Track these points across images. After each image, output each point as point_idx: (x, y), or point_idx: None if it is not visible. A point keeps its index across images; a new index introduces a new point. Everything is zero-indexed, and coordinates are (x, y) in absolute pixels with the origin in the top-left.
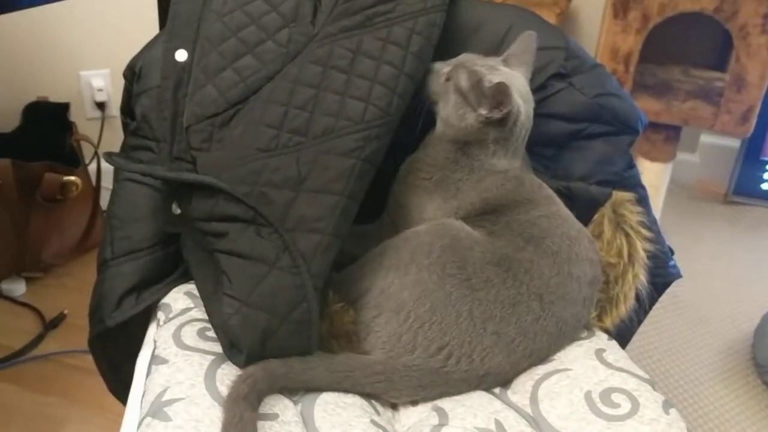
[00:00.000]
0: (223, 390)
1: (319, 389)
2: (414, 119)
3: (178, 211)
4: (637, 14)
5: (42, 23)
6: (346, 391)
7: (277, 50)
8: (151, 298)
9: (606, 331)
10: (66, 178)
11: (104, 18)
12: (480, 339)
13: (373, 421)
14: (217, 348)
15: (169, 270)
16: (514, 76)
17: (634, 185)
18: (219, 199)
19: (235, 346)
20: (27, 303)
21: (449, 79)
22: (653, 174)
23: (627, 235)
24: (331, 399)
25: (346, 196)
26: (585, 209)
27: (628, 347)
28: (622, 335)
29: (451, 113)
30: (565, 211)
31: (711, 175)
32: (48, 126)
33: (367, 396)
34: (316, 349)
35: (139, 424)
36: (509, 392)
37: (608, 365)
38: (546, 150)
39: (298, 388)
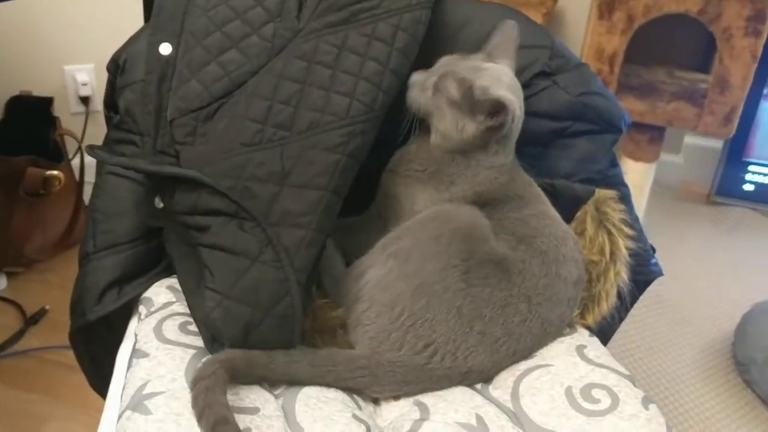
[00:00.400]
0: None
1: (301, 383)
2: (402, 129)
3: (161, 204)
4: (622, 15)
5: (26, 16)
6: (328, 385)
7: (261, 45)
8: (133, 292)
9: (588, 328)
10: (49, 172)
11: (89, 12)
12: (465, 337)
13: (354, 416)
14: (199, 342)
15: (151, 264)
16: (500, 71)
17: (617, 183)
18: (202, 192)
19: (217, 340)
20: (8, 298)
21: (438, 90)
22: (637, 174)
23: (609, 232)
24: (313, 393)
25: (330, 191)
26: (568, 206)
27: (610, 346)
28: (604, 332)
29: (450, 127)
30: (553, 211)
31: (694, 175)
32: (31, 120)
33: (349, 390)
34: (299, 344)
35: (119, 417)
36: (490, 387)
37: (589, 361)
38: (530, 148)
39: (279, 381)
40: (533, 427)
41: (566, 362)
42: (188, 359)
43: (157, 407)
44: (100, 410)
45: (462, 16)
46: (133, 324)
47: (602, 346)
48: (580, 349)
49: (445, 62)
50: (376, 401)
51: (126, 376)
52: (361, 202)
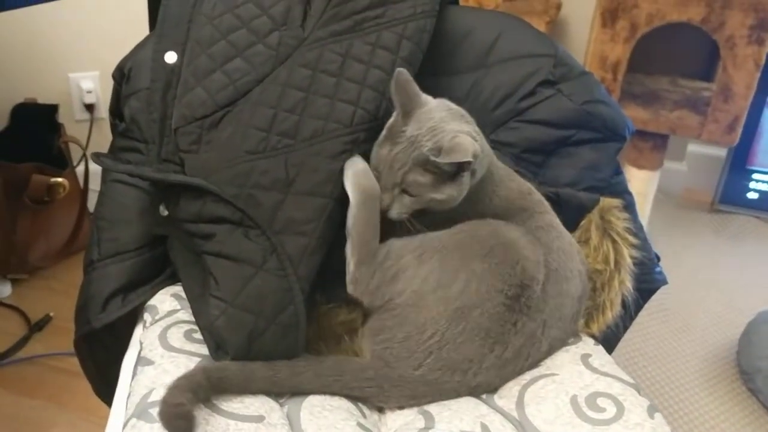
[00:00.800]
0: None
1: (306, 393)
2: None
3: (166, 212)
4: (625, 24)
5: (31, 24)
6: (333, 394)
7: (266, 53)
8: (138, 300)
9: (593, 336)
10: (53, 179)
11: (94, 20)
12: (482, 358)
13: (359, 424)
14: (204, 350)
15: (156, 272)
16: (431, 121)
17: (621, 192)
18: (207, 200)
19: (222, 348)
20: (12, 305)
21: (409, 192)
22: (641, 182)
23: (614, 241)
24: (318, 401)
25: (334, 199)
26: (573, 215)
27: (615, 354)
28: (608, 341)
29: (446, 198)
30: (556, 220)
31: (698, 183)
32: (36, 127)
33: (354, 399)
34: (303, 352)
35: (125, 426)
36: (495, 397)
37: (594, 370)
38: (534, 156)
39: (283, 393)
40: None
41: (571, 371)
42: (193, 367)
43: None
44: (104, 417)
45: (466, 24)
46: (138, 332)
47: (607, 354)
48: (585, 358)
49: (381, 158)
50: (380, 409)
51: (131, 384)
52: None
